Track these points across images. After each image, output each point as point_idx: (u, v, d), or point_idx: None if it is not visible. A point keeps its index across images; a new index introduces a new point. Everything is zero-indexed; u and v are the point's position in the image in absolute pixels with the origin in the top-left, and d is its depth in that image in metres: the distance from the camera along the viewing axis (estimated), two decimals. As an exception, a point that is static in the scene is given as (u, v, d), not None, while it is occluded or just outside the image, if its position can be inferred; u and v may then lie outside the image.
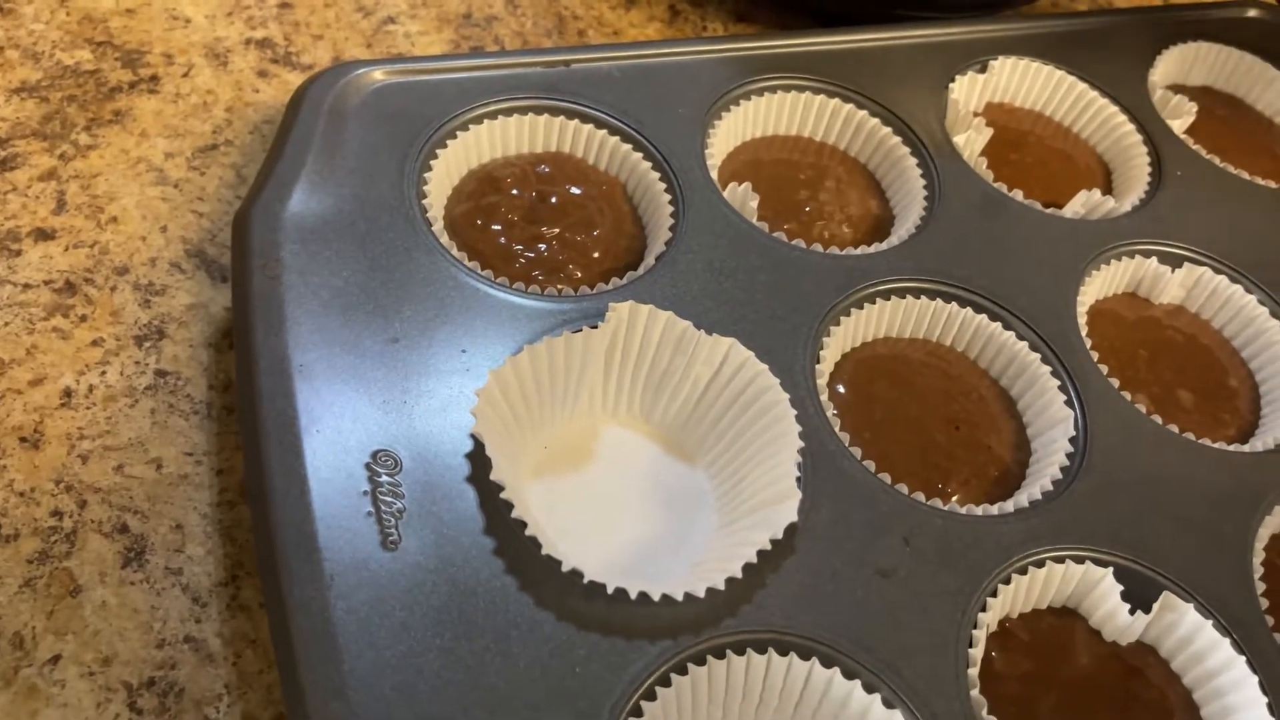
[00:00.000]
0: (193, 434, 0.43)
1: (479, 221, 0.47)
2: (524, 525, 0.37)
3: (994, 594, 0.40)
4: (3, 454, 0.41)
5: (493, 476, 0.38)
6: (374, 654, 0.34)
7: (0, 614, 0.38)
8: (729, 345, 0.43)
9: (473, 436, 0.39)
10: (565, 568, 0.37)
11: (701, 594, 0.36)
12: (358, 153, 0.47)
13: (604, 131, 0.51)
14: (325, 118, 0.47)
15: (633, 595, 0.36)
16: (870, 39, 0.59)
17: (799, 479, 0.41)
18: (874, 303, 0.48)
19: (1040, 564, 0.41)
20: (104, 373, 0.44)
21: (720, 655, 0.36)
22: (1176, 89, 0.65)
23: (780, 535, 0.38)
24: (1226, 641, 0.40)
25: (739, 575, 0.37)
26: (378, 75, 0.50)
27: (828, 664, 0.37)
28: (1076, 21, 0.66)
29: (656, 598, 0.36)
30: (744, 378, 0.43)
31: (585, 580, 0.36)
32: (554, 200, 0.49)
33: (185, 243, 0.49)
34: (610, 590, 0.36)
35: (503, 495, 0.38)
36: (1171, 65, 0.65)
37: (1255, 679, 0.40)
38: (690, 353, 0.43)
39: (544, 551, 0.37)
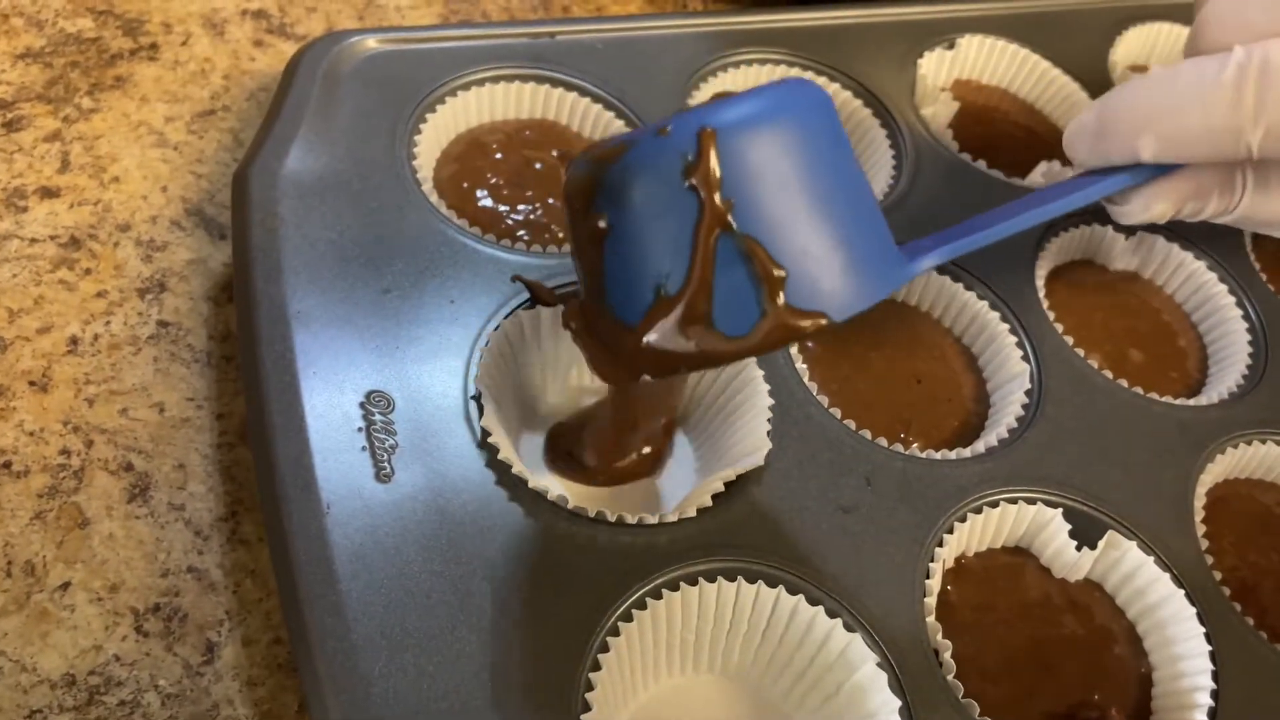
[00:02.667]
0: (194, 380, 0.46)
1: (465, 183, 0.50)
2: (510, 466, 0.40)
3: (950, 531, 0.43)
4: (13, 396, 0.43)
5: (483, 423, 0.41)
6: (368, 576, 0.36)
7: (13, 544, 0.40)
8: None
9: (476, 387, 0.42)
10: (551, 496, 0.39)
11: (674, 519, 0.39)
12: (351, 116, 0.49)
13: (587, 100, 0.53)
14: (320, 83, 0.50)
15: (611, 519, 0.39)
16: (843, 16, 0.62)
17: (769, 432, 0.43)
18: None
19: (994, 504, 0.44)
20: (108, 322, 0.46)
21: (693, 582, 0.39)
22: (1136, 68, 0.67)
23: (747, 469, 0.41)
24: (1166, 576, 0.43)
25: (709, 504, 0.40)
26: (371, 43, 0.52)
27: (793, 591, 0.39)
28: (1041, 2, 0.68)
29: (633, 521, 0.39)
30: None
31: (568, 508, 0.39)
32: (538, 165, 0.52)
33: (185, 202, 0.51)
34: (592, 515, 0.39)
35: (490, 440, 0.40)
36: (1132, 45, 0.67)
37: (1193, 610, 0.42)
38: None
39: (530, 485, 0.40)
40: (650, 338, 0.30)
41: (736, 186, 0.29)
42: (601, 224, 0.30)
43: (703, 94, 0.56)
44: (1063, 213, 0.37)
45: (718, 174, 0.28)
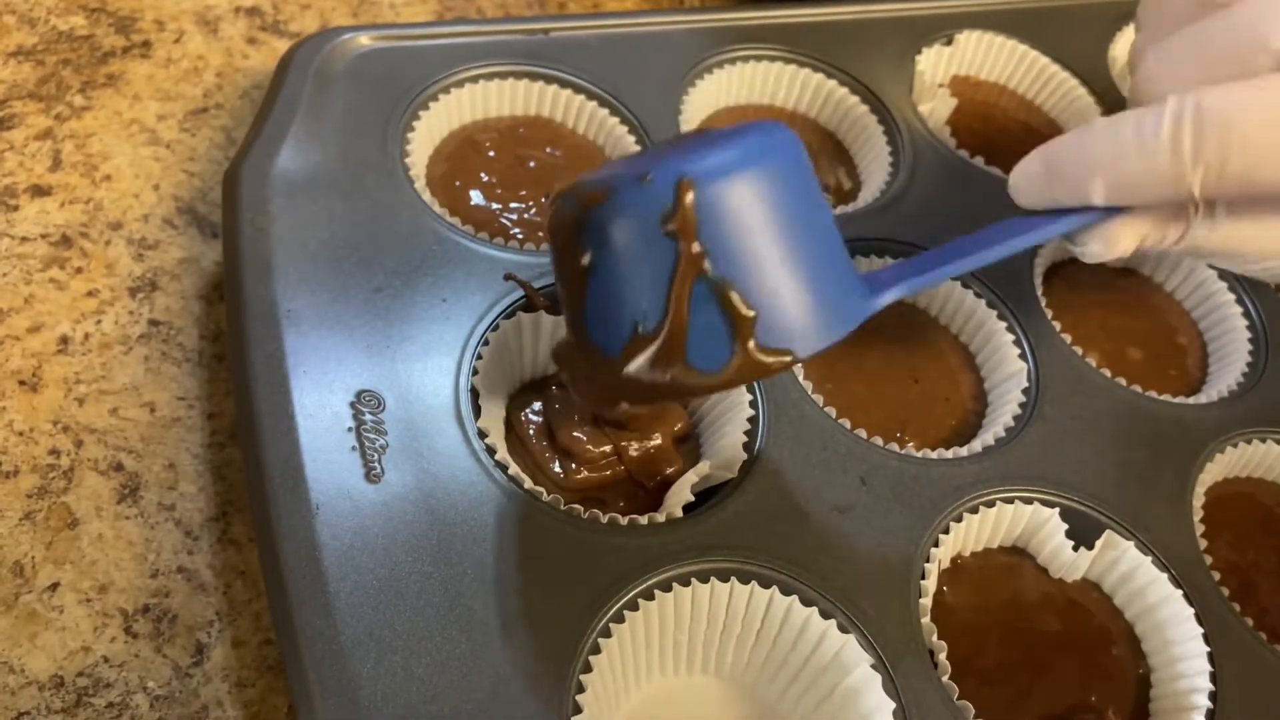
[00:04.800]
0: (185, 380, 0.45)
1: (458, 181, 0.49)
2: (506, 467, 0.40)
3: (946, 531, 0.43)
4: (2, 396, 0.43)
5: (480, 423, 0.40)
6: (357, 577, 0.36)
7: (1, 544, 0.40)
8: None
9: (472, 386, 0.42)
10: (545, 498, 0.39)
11: (662, 519, 0.39)
12: (343, 114, 0.49)
13: (581, 97, 0.53)
14: (312, 80, 0.49)
15: (604, 520, 0.38)
16: (840, 12, 0.61)
17: (746, 444, 0.43)
18: (839, 261, 0.50)
19: (991, 504, 0.44)
20: (99, 321, 0.46)
21: (685, 583, 0.39)
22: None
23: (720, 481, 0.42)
24: (1165, 576, 0.43)
25: (691, 498, 0.41)
26: (363, 40, 0.52)
27: (786, 592, 0.39)
28: (1041, -2, 0.68)
29: (624, 522, 0.38)
30: None
31: (561, 509, 0.39)
32: (532, 163, 0.51)
33: (177, 200, 0.51)
34: (585, 515, 0.38)
35: (487, 440, 0.40)
36: (1131, 41, 0.67)
37: (1191, 611, 0.42)
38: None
39: (526, 486, 0.39)
40: (629, 369, 0.32)
41: (712, 232, 0.31)
42: (585, 261, 0.32)
43: (698, 90, 0.56)
44: (1023, 249, 0.38)
45: (694, 221, 0.30)
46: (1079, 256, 0.40)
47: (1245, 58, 0.35)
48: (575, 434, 0.41)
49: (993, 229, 0.39)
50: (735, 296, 0.31)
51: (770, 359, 0.32)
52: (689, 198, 0.30)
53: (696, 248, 0.30)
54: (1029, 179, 0.39)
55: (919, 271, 0.37)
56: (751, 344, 0.31)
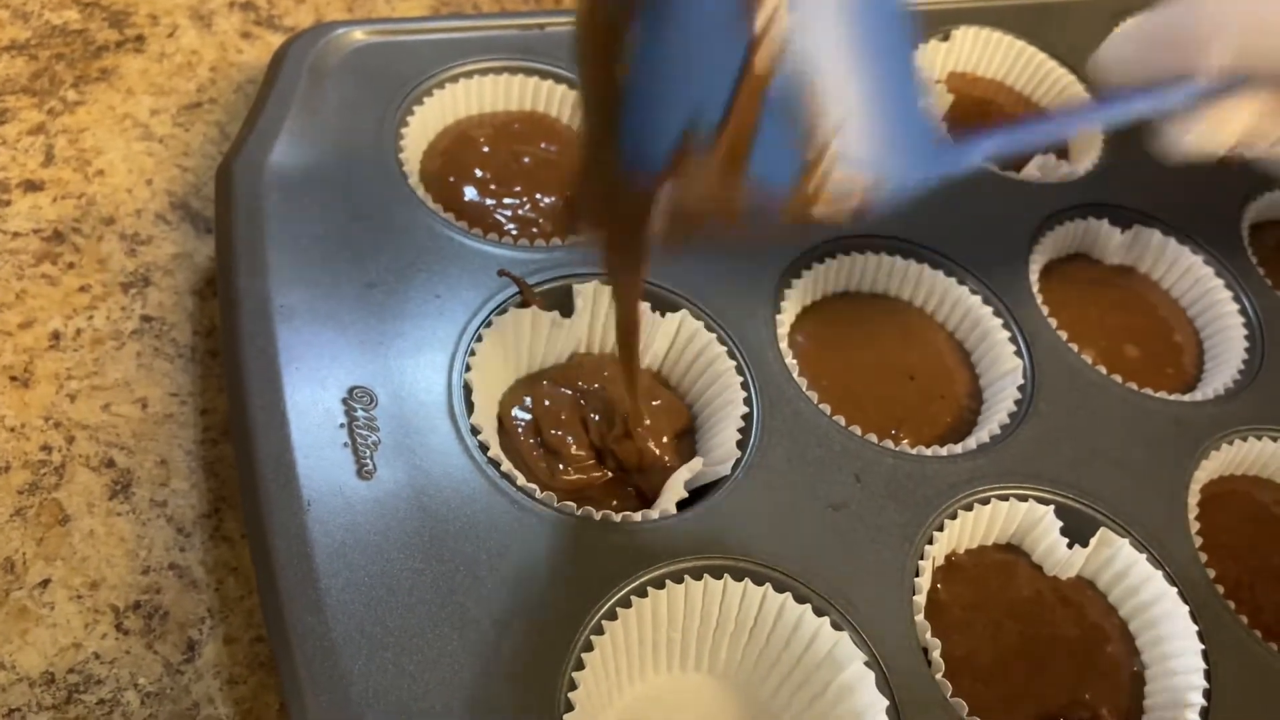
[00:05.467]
0: (177, 376, 0.45)
1: (453, 177, 0.49)
2: (499, 464, 0.40)
3: (940, 529, 0.42)
4: (-6, 391, 0.43)
5: (474, 419, 0.40)
6: (348, 574, 0.36)
7: (-8, 540, 0.40)
8: (679, 319, 0.45)
9: (465, 383, 0.42)
10: (537, 495, 0.39)
11: (655, 516, 0.39)
12: (337, 109, 0.49)
13: (576, 92, 0.53)
14: (306, 75, 0.49)
15: (597, 517, 0.38)
16: (837, 8, 0.61)
17: (740, 441, 0.43)
18: (834, 258, 0.50)
19: (985, 501, 0.43)
20: (91, 317, 0.46)
21: (679, 580, 0.38)
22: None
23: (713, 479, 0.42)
24: (1159, 574, 0.43)
25: (685, 494, 0.41)
26: (358, 35, 0.51)
27: (780, 589, 0.39)
28: (1038, -6, 0.68)
29: (618, 519, 0.38)
30: (694, 349, 0.45)
31: (554, 505, 0.39)
32: (526, 159, 0.51)
33: (170, 195, 0.50)
34: (578, 512, 0.38)
35: (480, 437, 0.40)
36: (1130, 38, 0.67)
37: (1186, 609, 0.42)
38: (649, 332, 0.45)
39: (519, 483, 0.39)
40: (678, 181, 0.26)
41: (795, 21, 0.25)
42: (631, 40, 0.26)
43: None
44: (1109, 124, 0.35)
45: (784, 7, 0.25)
46: (1171, 150, 0.34)
47: None
48: (563, 434, 0.41)
49: (1073, 105, 0.36)
50: (817, 96, 0.25)
51: (842, 184, 0.26)
52: None
53: (779, 28, 0.25)
54: (1129, 42, 0.34)
55: (1004, 134, 0.33)
56: (830, 153, 0.26)
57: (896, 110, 0.28)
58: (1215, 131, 0.33)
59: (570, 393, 0.43)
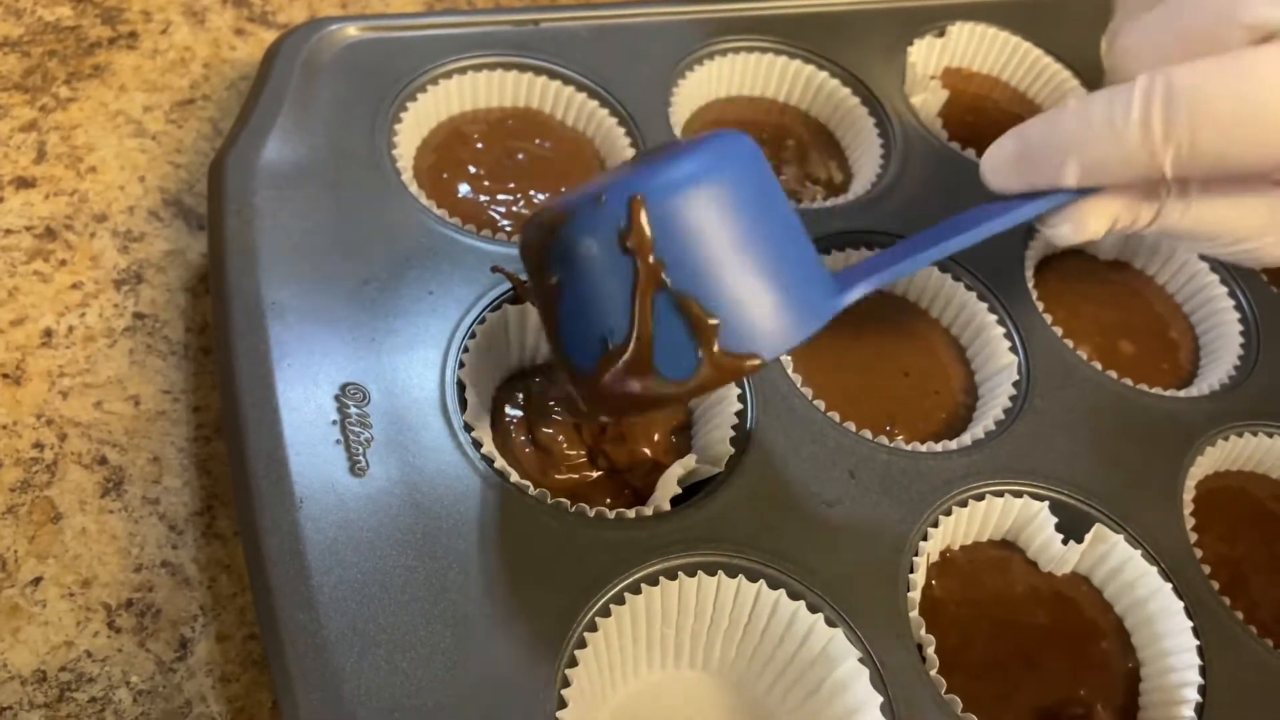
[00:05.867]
0: (170, 373, 0.45)
1: (446, 173, 0.49)
2: (492, 461, 0.39)
3: (935, 525, 0.42)
4: (-15, 389, 0.43)
5: (467, 416, 0.40)
6: (341, 571, 0.36)
7: (-17, 538, 0.39)
8: None
9: (458, 379, 0.41)
10: (531, 492, 0.39)
11: (649, 512, 0.38)
12: (330, 105, 0.48)
13: (571, 88, 0.53)
14: (299, 71, 0.49)
15: (590, 514, 0.38)
16: (832, 3, 0.61)
17: (734, 438, 0.43)
18: (829, 254, 0.50)
19: (980, 498, 0.43)
20: (83, 314, 0.46)
21: (673, 577, 0.38)
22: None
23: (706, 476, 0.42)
24: (1154, 570, 0.43)
25: (679, 490, 0.41)
26: (351, 31, 0.51)
27: (774, 586, 0.39)
28: (1034, -10, 0.67)
29: (612, 516, 0.38)
30: None
31: (548, 502, 0.38)
32: (521, 156, 0.51)
33: (163, 192, 0.50)
34: (571, 509, 0.38)
35: (473, 434, 0.40)
36: (1125, 33, 0.67)
37: (1182, 605, 0.42)
38: None
39: (513, 480, 0.39)
40: (603, 382, 0.33)
41: (668, 245, 0.31)
42: (553, 282, 0.33)
43: (689, 82, 0.55)
44: (995, 233, 0.38)
45: (649, 237, 0.31)
46: (1050, 239, 0.39)
47: (1217, 33, 0.35)
48: (554, 433, 0.41)
49: (965, 215, 0.39)
50: (695, 306, 0.32)
51: (736, 363, 0.32)
52: (641, 215, 0.31)
53: (653, 261, 0.31)
54: (1002, 161, 0.38)
55: (891, 262, 0.37)
56: (716, 349, 0.32)
57: (781, 277, 0.33)
58: (1080, 229, 0.38)
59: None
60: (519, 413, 0.43)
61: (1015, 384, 0.48)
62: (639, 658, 0.39)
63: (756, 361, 0.32)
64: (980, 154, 0.56)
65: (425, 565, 0.37)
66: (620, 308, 0.32)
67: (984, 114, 0.61)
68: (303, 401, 0.39)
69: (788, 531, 0.40)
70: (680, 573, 0.38)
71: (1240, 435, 0.48)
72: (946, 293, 0.51)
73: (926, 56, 0.61)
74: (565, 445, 0.41)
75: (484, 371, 0.43)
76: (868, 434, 0.44)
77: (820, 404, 0.45)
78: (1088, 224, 0.38)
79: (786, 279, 0.33)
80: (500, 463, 0.40)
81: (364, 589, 0.36)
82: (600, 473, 0.42)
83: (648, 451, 0.42)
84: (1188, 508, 0.45)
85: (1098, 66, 0.63)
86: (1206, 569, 0.44)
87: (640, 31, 0.56)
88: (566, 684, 0.35)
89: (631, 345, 0.32)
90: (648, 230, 0.31)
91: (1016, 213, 0.38)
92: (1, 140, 0.50)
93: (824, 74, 0.58)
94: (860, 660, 0.38)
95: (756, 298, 0.32)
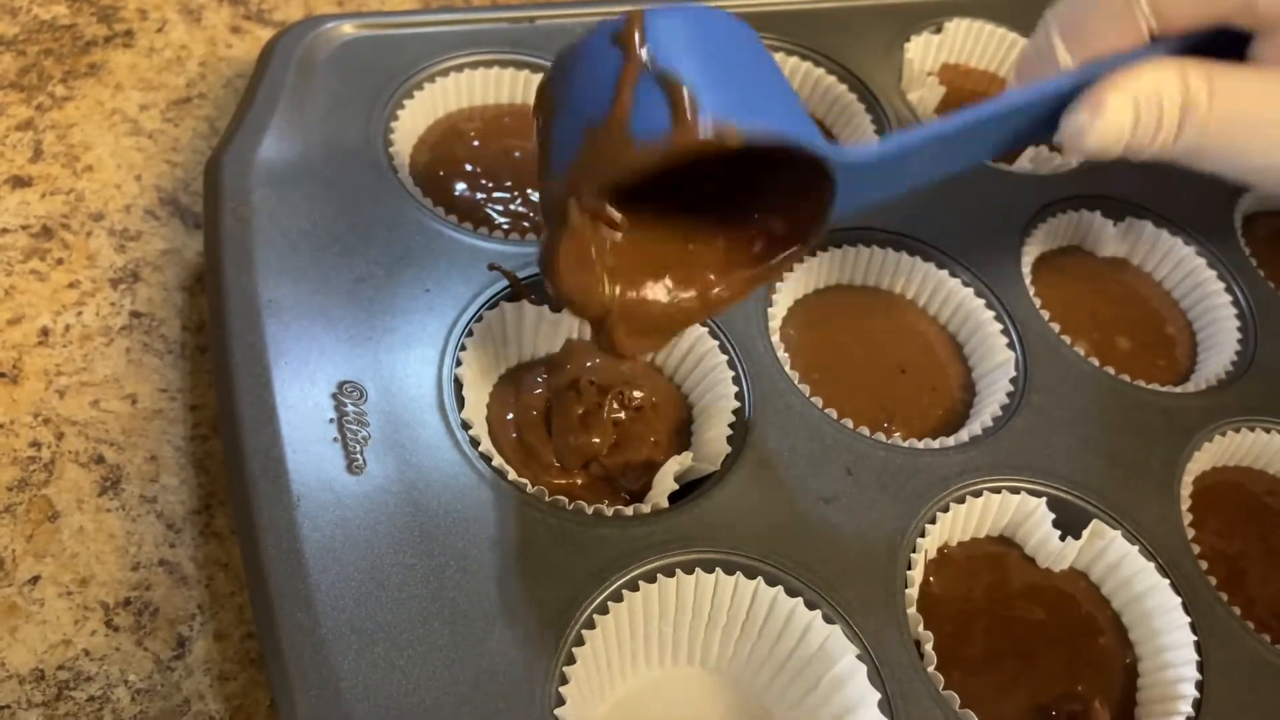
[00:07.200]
0: (167, 372, 0.45)
1: (442, 171, 0.49)
2: (490, 459, 0.39)
3: (933, 521, 0.42)
4: (-18, 388, 0.43)
5: (464, 414, 0.40)
6: (338, 569, 0.36)
7: (-19, 538, 0.39)
8: None
9: (455, 377, 0.41)
10: (529, 489, 0.39)
11: (646, 510, 0.38)
12: (327, 103, 0.48)
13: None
14: (295, 69, 0.49)
15: (588, 511, 0.38)
16: (829, 0, 0.61)
17: (731, 436, 0.43)
18: (826, 250, 0.50)
19: (977, 494, 0.43)
20: (80, 313, 0.46)
21: (670, 574, 0.38)
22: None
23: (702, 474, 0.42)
24: (1152, 566, 0.43)
25: (675, 487, 0.41)
26: (347, 29, 0.51)
27: (772, 583, 0.39)
28: (1031, -14, 0.67)
29: (609, 513, 0.38)
30: (685, 342, 0.45)
31: (546, 500, 0.38)
32: (517, 153, 0.51)
33: (159, 191, 0.50)
34: (569, 507, 0.38)
35: (471, 432, 0.40)
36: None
37: (1179, 600, 0.42)
38: None
39: (510, 477, 0.39)
40: (579, 160, 0.33)
41: (656, 43, 0.33)
42: (554, 96, 0.35)
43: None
44: (1011, 107, 0.39)
45: (641, 34, 0.33)
46: (1071, 139, 0.38)
47: None
48: (543, 439, 0.41)
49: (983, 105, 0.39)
50: (673, 77, 0.32)
51: (711, 125, 0.32)
52: (637, 22, 0.33)
53: (639, 41, 0.33)
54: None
55: (901, 137, 0.39)
56: (688, 104, 0.32)
57: (768, 92, 0.35)
58: (1101, 107, 0.37)
59: (560, 386, 0.43)
60: (513, 414, 0.43)
61: (1012, 380, 0.48)
62: (637, 654, 0.39)
63: (729, 128, 0.32)
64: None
65: (423, 563, 0.37)
66: (604, 93, 0.33)
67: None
68: (300, 400, 0.39)
69: (785, 528, 0.40)
70: (678, 570, 0.38)
71: (1237, 431, 0.48)
72: (944, 289, 0.51)
73: (923, 52, 0.61)
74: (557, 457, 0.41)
75: (481, 369, 0.43)
76: (865, 431, 0.44)
77: (817, 401, 0.45)
78: (1105, 102, 0.37)
79: (774, 98, 0.35)
80: (498, 460, 0.40)
81: (361, 587, 0.36)
82: (594, 477, 0.42)
83: (641, 458, 0.42)
84: (1185, 503, 0.45)
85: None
86: (1204, 564, 0.44)
87: (637, 28, 0.56)
88: (565, 681, 0.35)
89: (610, 112, 0.33)
90: (641, 30, 0.33)
91: (1027, 94, 0.39)
92: (-3, 139, 0.50)
93: (820, 70, 0.58)
94: (858, 656, 0.38)
95: (741, 89, 0.34)
